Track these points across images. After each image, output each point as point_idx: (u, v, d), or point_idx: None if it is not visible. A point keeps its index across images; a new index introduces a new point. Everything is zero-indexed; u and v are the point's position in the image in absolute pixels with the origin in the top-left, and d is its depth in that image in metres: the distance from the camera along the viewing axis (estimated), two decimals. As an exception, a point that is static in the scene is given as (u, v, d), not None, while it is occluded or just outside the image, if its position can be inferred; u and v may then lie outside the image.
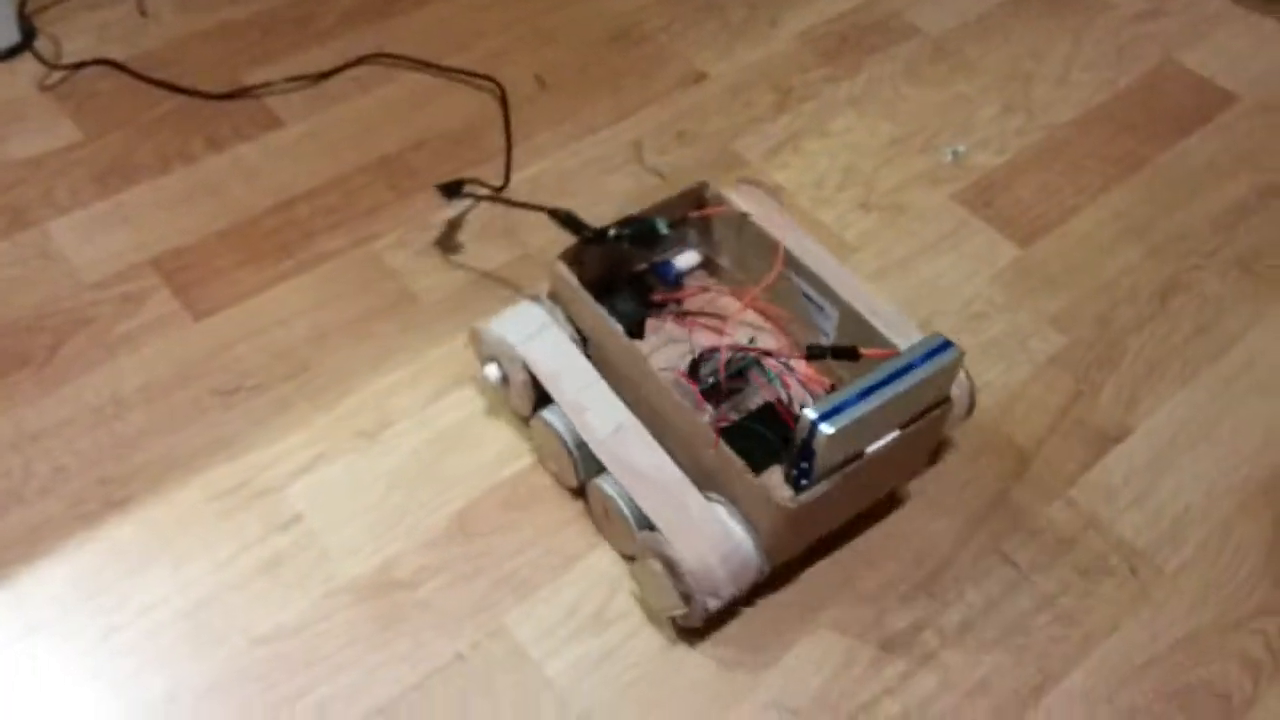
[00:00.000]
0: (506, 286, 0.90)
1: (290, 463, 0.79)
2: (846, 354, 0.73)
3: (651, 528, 0.70)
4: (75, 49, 1.05)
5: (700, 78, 1.09)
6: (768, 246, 0.80)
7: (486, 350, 0.79)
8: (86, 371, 0.82)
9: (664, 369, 0.76)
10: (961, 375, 0.75)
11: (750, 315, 0.84)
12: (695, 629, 0.71)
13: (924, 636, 0.74)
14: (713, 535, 0.69)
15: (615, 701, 0.69)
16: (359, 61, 1.05)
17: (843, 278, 0.78)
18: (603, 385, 0.75)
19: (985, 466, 0.82)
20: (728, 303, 0.85)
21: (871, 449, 0.68)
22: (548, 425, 0.75)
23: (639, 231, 0.79)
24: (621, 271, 0.82)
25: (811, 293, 0.79)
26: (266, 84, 1.03)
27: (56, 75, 1.02)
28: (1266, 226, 1.01)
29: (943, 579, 0.76)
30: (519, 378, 0.76)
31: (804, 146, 1.04)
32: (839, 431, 0.64)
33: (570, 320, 0.78)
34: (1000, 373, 0.88)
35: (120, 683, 0.68)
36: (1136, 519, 0.81)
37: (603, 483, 0.73)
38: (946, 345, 0.69)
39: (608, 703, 0.69)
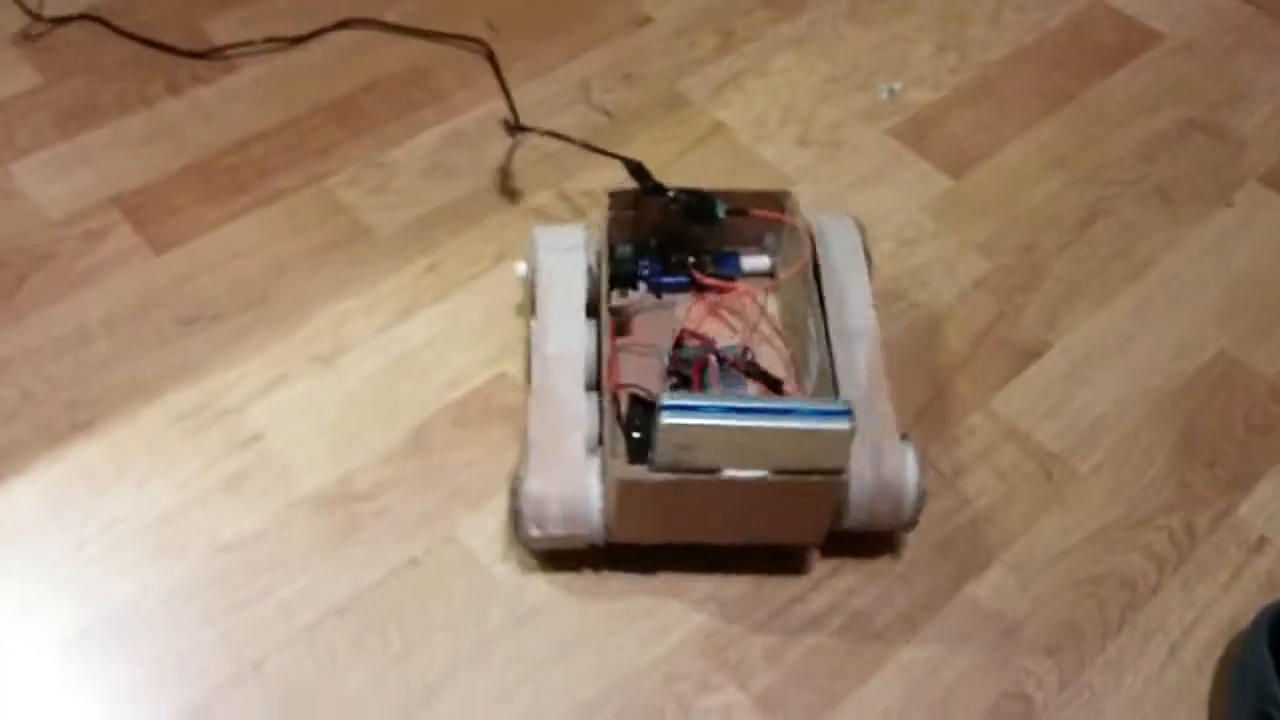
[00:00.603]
0: (457, 220, 0.94)
1: (250, 386, 0.82)
2: (773, 385, 0.78)
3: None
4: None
5: (645, 20, 1.13)
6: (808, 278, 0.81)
7: (525, 250, 0.82)
8: (52, 304, 0.85)
9: (641, 344, 0.80)
10: (910, 470, 0.73)
11: (765, 328, 0.84)
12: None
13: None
14: (566, 476, 0.70)
15: (559, 596, 0.74)
16: (336, 27, 1.08)
17: (850, 336, 0.78)
18: (581, 317, 0.77)
19: (910, 381, 0.87)
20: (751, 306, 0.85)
21: (729, 474, 0.67)
22: (530, 335, 0.78)
23: (694, 203, 0.81)
24: (674, 241, 0.84)
25: (812, 332, 0.79)
26: (238, 44, 1.06)
27: (39, 27, 1.05)
28: (1185, 157, 1.05)
29: (870, 485, 0.81)
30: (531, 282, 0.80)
31: (746, 85, 1.08)
32: (675, 427, 0.65)
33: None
34: (927, 296, 0.93)
35: (88, 589, 0.72)
36: (1053, 427, 0.86)
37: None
38: (843, 413, 0.66)
39: (552, 598, 0.74)
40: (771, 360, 0.82)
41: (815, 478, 0.68)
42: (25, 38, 1.04)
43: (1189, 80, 1.12)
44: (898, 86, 1.09)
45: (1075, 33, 1.16)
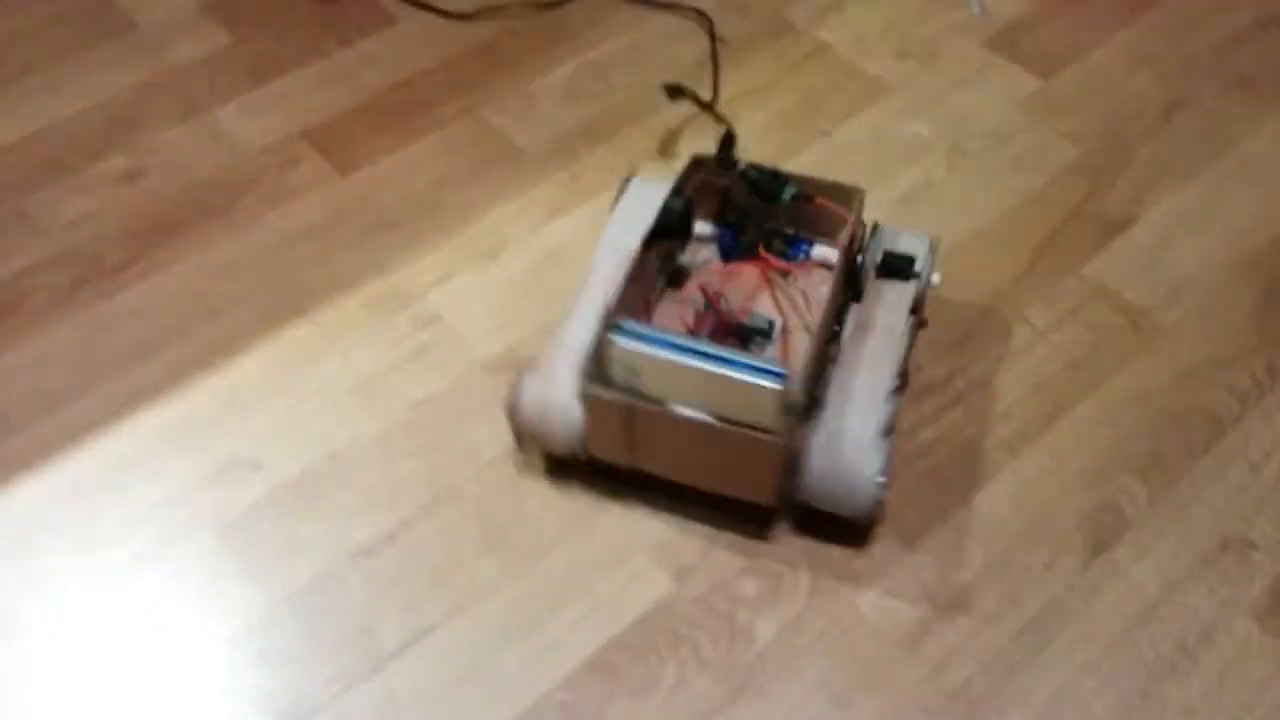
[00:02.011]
0: (592, 138, 1.07)
1: (428, 277, 0.96)
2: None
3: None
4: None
5: (753, -41, 1.24)
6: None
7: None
8: (259, 217, 1.01)
9: (687, 298, 0.84)
10: (868, 469, 0.75)
11: (809, 319, 0.84)
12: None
13: (955, 383, 0.89)
14: (557, 385, 0.78)
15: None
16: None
17: (870, 336, 0.81)
18: (627, 255, 0.80)
19: (1004, 253, 0.97)
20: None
21: (676, 409, 0.73)
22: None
23: (763, 181, 0.84)
24: (743, 214, 0.87)
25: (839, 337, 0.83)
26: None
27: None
28: (1265, 52, 1.13)
29: (970, 342, 0.91)
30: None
31: (847, 10, 1.18)
32: (623, 350, 0.72)
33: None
34: (1022, 180, 1.02)
35: (312, 434, 0.86)
36: (1140, 286, 0.95)
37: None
38: (776, 374, 0.71)
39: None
40: (798, 345, 0.83)
41: (750, 432, 0.72)
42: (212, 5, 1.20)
43: (1270, -19, 1.19)
44: (988, 1, 1.18)
45: (1159, -55, 1.24)
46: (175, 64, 1.14)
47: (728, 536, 0.81)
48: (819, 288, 0.85)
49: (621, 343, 0.73)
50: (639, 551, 0.80)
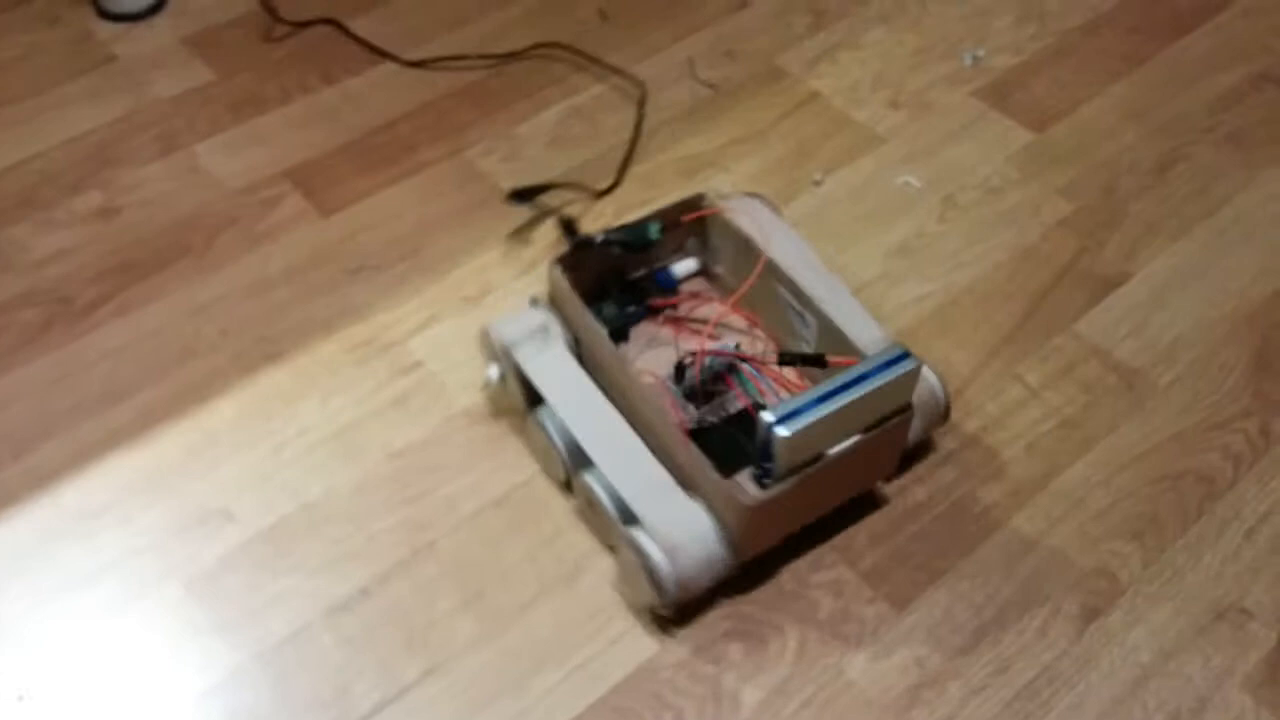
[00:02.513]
0: (580, 187, 1.05)
1: (410, 322, 0.94)
2: (815, 361, 0.79)
3: (631, 521, 0.74)
4: (203, 5, 1.22)
5: (744, 4, 1.23)
6: (750, 254, 0.84)
7: (489, 351, 0.84)
8: (238, 258, 0.98)
9: (648, 372, 0.83)
10: (935, 382, 0.80)
11: (739, 321, 0.87)
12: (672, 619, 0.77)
13: (945, 441, 0.87)
14: (685, 531, 0.73)
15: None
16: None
17: (826, 288, 0.82)
18: (592, 388, 0.79)
19: (997, 309, 0.95)
20: (719, 309, 0.88)
21: (833, 451, 0.73)
22: (539, 425, 0.80)
23: (629, 238, 0.83)
24: (620, 276, 0.86)
25: (792, 301, 0.83)
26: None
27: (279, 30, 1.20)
28: (1258, 108, 1.12)
29: (962, 399, 0.90)
30: (515, 381, 0.82)
31: (839, 58, 1.18)
32: (795, 434, 0.68)
33: (566, 324, 0.82)
34: (1014, 235, 1.01)
35: (287, 484, 0.84)
36: (1134, 346, 0.93)
37: (588, 477, 0.77)
38: (904, 356, 0.72)
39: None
40: (762, 340, 0.86)
41: (895, 420, 0.74)
42: (183, 39, 1.18)
43: (1261, 38, 1.19)
44: (981, 53, 1.18)
45: (1148, 1, 1.24)
46: (156, 99, 1.12)
47: (713, 598, 0.78)
48: (705, 306, 0.88)
49: (788, 431, 0.68)
50: (623, 611, 0.78)
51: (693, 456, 0.73)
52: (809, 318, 0.82)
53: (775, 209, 0.89)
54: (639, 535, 0.73)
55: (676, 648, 0.76)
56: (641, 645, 0.76)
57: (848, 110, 1.12)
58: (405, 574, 0.79)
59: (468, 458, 0.85)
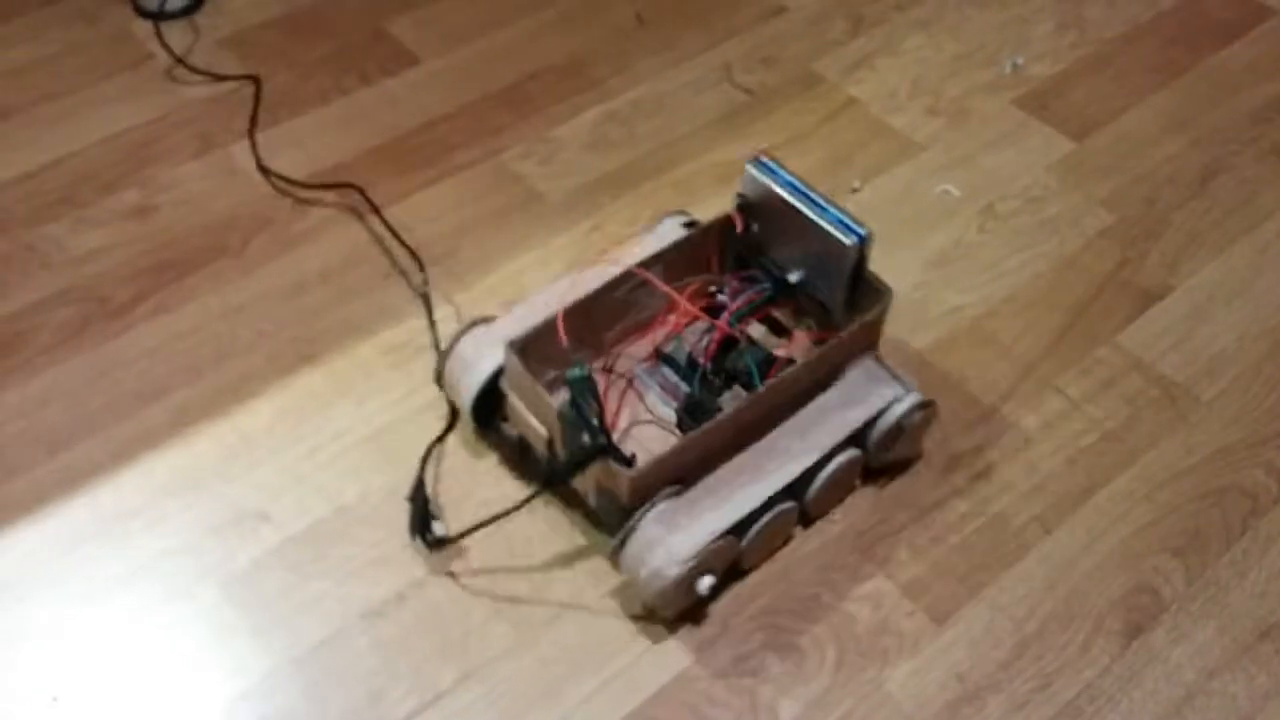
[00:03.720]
0: (615, 187, 1.04)
1: (446, 326, 0.94)
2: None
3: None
4: (241, 5, 1.22)
5: (780, 10, 1.23)
6: (606, 304, 0.81)
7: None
8: (274, 259, 0.98)
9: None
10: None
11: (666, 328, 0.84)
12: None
13: (986, 454, 0.86)
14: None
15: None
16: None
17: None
18: None
19: (1038, 320, 0.94)
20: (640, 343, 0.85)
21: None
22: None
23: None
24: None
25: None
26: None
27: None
28: (1302, 119, 1.11)
29: (1001, 410, 0.89)
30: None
31: (877, 64, 1.17)
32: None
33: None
34: (1055, 245, 1.00)
35: (323, 488, 0.83)
36: (1176, 360, 0.92)
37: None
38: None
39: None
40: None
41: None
42: (219, 41, 1.18)
43: (1304, 49, 1.18)
44: (1021, 60, 1.16)
45: (1188, 11, 1.23)
46: (193, 99, 1.12)
47: (750, 608, 0.78)
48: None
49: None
50: (658, 620, 0.77)
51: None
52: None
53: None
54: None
55: (713, 659, 0.76)
56: (677, 655, 0.76)
57: (886, 117, 1.11)
58: (440, 579, 0.79)
59: (504, 464, 0.85)
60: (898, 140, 1.09)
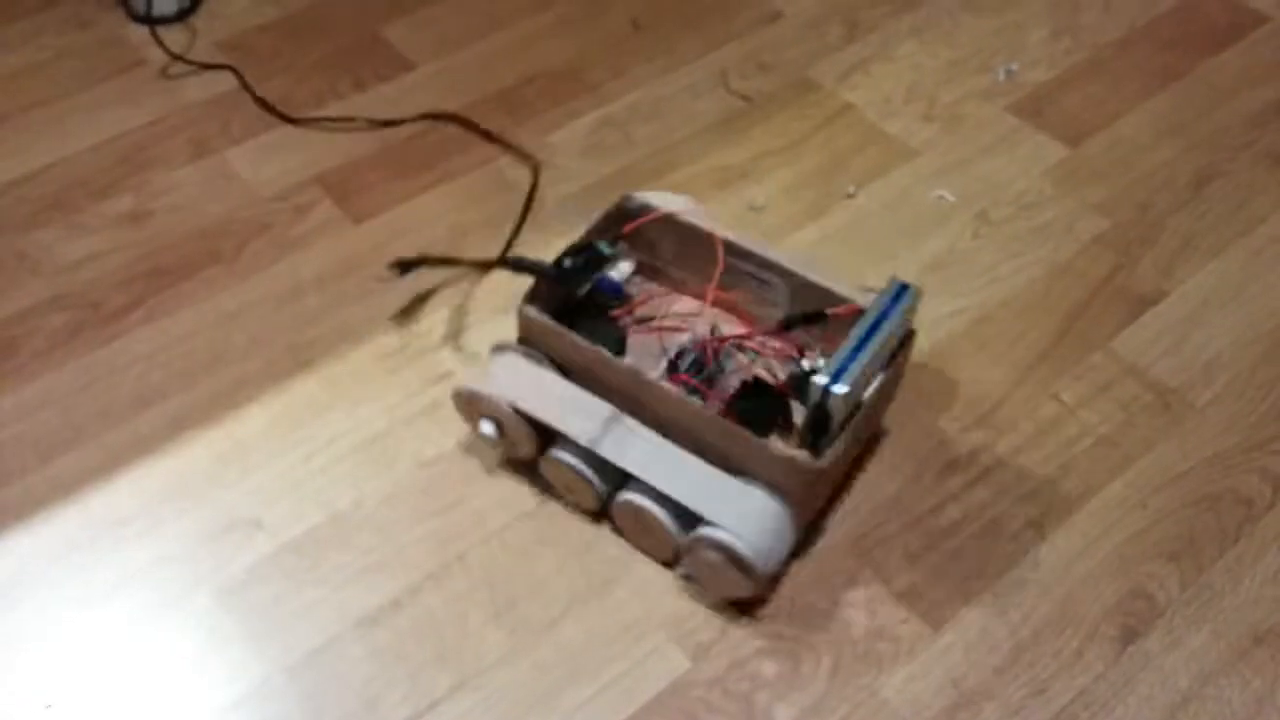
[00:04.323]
0: (613, 192, 1.04)
1: (441, 332, 0.94)
2: (816, 318, 0.80)
3: (690, 526, 0.75)
4: (235, 10, 1.22)
5: (777, 15, 1.23)
6: (700, 241, 0.84)
7: (479, 409, 0.80)
8: (269, 265, 0.98)
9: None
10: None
11: (699, 307, 0.87)
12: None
13: (980, 459, 0.86)
14: (755, 512, 0.73)
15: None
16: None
17: (784, 255, 0.83)
18: (604, 406, 0.77)
19: (1032, 325, 0.94)
20: (677, 301, 0.89)
21: (866, 395, 0.75)
22: (559, 461, 0.78)
23: (587, 259, 0.82)
24: (572, 300, 0.83)
25: (757, 272, 0.83)
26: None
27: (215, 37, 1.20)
28: (1296, 124, 1.11)
29: (996, 416, 0.89)
30: (519, 427, 0.79)
31: (872, 70, 1.17)
32: (851, 389, 0.71)
33: (550, 358, 0.80)
34: (1050, 251, 1.00)
35: (318, 495, 0.83)
36: (1170, 364, 0.92)
37: (632, 495, 0.76)
38: (906, 287, 0.76)
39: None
40: (737, 320, 0.86)
41: (906, 347, 0.78)
42: (214, 44, 1.18)
43: (1298, 55, 1.18)
44: (1015, 67, 1.17)
45: (1184, 16, 1.23)
46: (187, 103, 1.12)
47: (746, 614, 0.78)
48: (667, 301, 0.89)
49: (846, 387, 0.71)
50: (655, 626, 0.77)
51: (739, 437, 0.73)
52: (777, 282, 0.83)
53: (695, 199, 0.90)
54: (714, 533, 0.73)
55: (709, 665, 0.75)
56: (673, 662, 0.76)
57: (881, 123, 1.11)
58: (435, 586, 0.79)
59: (497, 471, 0.85)
60: (892, 146, 1.09)
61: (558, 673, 0.75)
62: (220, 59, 1.16)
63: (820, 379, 0.71)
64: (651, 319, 0.88)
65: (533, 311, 0.80)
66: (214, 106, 1.12)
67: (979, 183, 1.06)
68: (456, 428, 0.87)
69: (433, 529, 0.81)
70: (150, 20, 1.17)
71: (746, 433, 0.73)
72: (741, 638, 0.77)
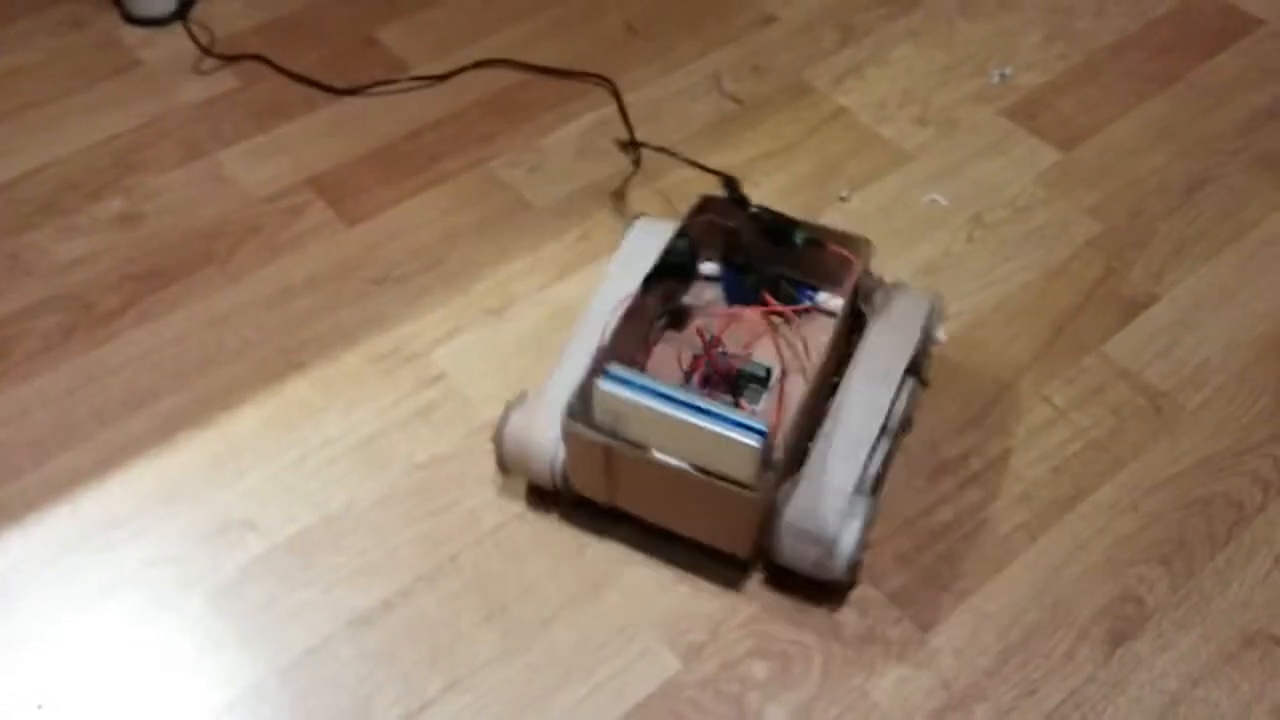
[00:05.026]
0: (604, 196, 1.05)
1: (433, 334, 0.94)
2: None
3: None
4: (227, 12, 1.22)
5: (771, 20, 1.23)
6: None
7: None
8: (261, 267, 0.98)
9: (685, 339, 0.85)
10: (849, 533, 0.74)
11: (808, 365, 0.85)
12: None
13: (971, 462, 0.86)
14: (540, 419, 0.78)
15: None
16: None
17: (862, 397, 0.79)
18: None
19: (1025, 329, 0.95)
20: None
21: (656, 455, 0.73)
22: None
23: (774, 223, 0.84)
24: (769, 262, 0.86)
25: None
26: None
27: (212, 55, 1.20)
28: (1287, 129, 1.12)
29: (988, 419, 0.89)
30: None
31: (866, 74, 1.17)
32: (609, 394, 0.73)
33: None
34: (1043, 254, 1.01)
35: (310, 497, 0.83)
36: (1162, 368, 0.92)
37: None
38: (757, 432, 0.70)
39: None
40: (795, 389, 0.83)
41: (727, 486, 0.70)
42: (205, 48, 1.19)
43: (1290, 60, 1.18)
44: (1009, 71, 1.17)
45: (1178, 21, 1.23)
46: (180, 105, 1.12)
47: (738, 615, 0.78)
48: (820, 335, 0.84)
49: (606, 387, 0.72)
50: (646, 627, 0.77)
51: (589, 375, 0.75)
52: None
53: (936, 312, 0.86)
54: (514, 405, 0.79)
55: (700, 666, 0.76)
56: (664, 662, 0.76)
57: (875, 126, 1.12)
58: (428, 587, 0.79)
59: (490, 470, 0.85)
60: (886, 150, 1.09)
61: (549, 674, 0.75)
62: (214, 61, 1.16)
63: (611, 369, 0.73)
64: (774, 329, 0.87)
65: (695, 210, 0.85)
66: (206, 109, 1.12)
67: (972, 186, 1.06)
68: (448, 430, 0.87)
69: (425, 530, 0.81)
70: (147, 22, 1.17)
71: None
72: (733, 638, 0.77)
